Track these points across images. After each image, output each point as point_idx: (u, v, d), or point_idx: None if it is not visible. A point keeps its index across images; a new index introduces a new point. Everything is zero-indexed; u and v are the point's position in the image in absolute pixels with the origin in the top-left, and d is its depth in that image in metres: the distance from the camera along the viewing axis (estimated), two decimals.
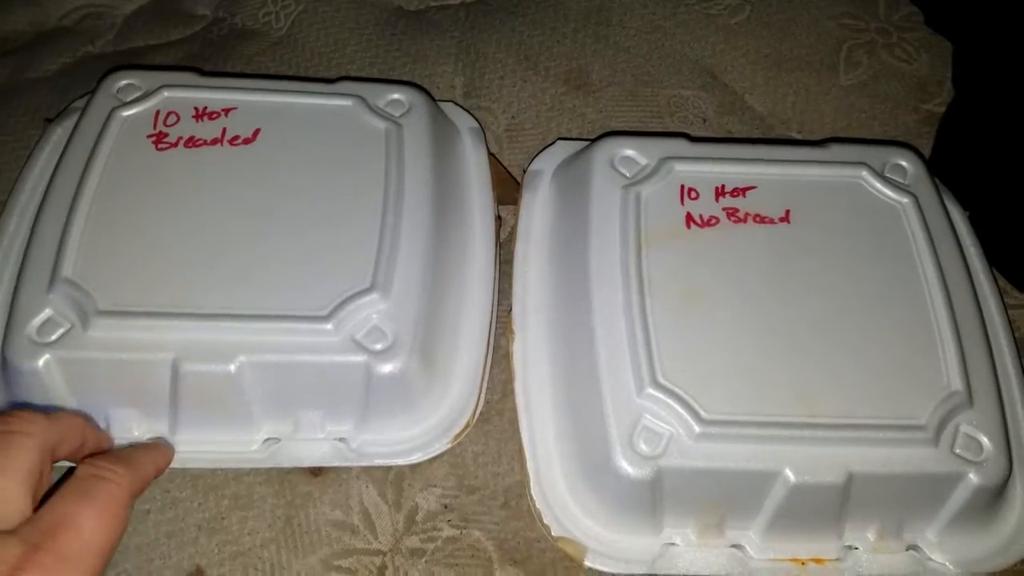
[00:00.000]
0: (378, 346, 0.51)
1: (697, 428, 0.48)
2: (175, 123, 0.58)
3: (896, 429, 0.49)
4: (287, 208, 0.55)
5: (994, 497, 0.51)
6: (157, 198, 0.55)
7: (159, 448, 0.52)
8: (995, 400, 0.51)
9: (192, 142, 0.58)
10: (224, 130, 0.58)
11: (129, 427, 0.53)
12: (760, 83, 0.78)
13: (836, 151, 0.60)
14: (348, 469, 0.58)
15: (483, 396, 0.57)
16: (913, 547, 0.53)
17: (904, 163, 0.59)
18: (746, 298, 0.53)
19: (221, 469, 0.58)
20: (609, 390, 0.50)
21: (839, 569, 0.52)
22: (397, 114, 0.61)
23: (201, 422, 0.53)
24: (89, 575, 0.39)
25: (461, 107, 0.71)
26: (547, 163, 0.65)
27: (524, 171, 0.66)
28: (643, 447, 0.48)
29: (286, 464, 0.55)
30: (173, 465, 0.54)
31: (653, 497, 0.49)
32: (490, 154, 0.67)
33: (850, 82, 0.78)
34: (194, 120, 0.59)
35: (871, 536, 0.52)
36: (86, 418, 0.48)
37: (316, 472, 0.58)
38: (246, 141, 0.58)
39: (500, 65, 0.78)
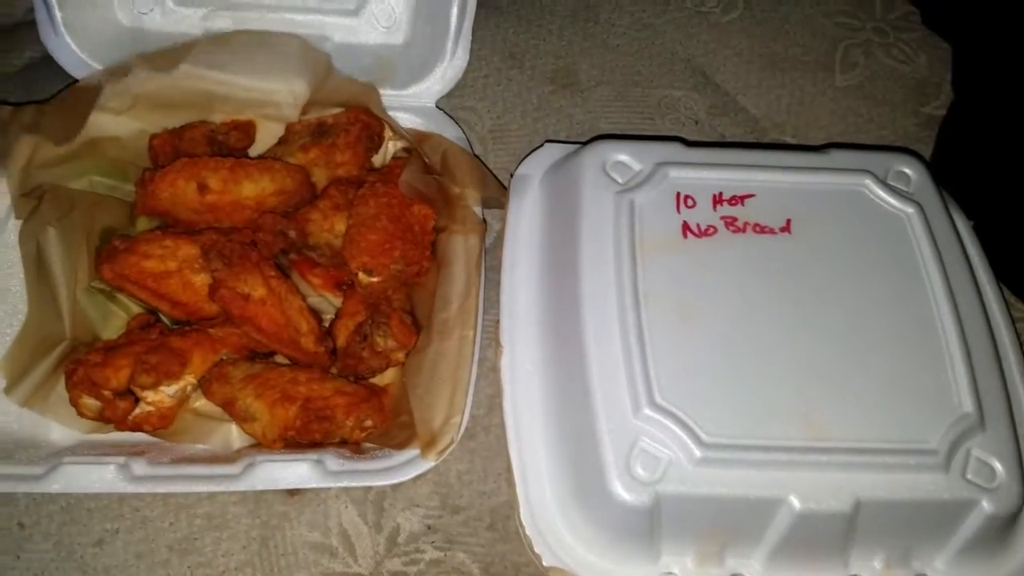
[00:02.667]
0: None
1: (698, 452, 0.46)
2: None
3: (905, 454, 0.47)
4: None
5: (1007, 525, 0.49)
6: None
7: None
8: (1008, 422, 0.49)
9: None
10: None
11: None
12: (753, 84, 0.76)
13: (837, 157, 0.58)
14: (327, 489, 0.56)
15: (468, 412, 0.54)
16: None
17: (907, 170, 0.57)
18: (747, 313, 0.51)
19: None
20: (604, 411, 0.48)
21: None
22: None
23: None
24: None
25: (442, 111, 0.68)
26: (535, 167, 0.62)
27: (511, 175, 0.63)
28: (640, 472, 0.46)
29: (261, 487, 0.52)
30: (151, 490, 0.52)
31: (650, 524, 0.47)
32: (474, 156, 0.65)
33: (846, 83, 0.76)
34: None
35: (877, 565, 0.50)
36: None
37: (293, 492, 0.55)
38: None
39: (484, 63, 0.75)
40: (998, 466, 0.47)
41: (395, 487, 0.56)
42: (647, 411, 0.47)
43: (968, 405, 0.48)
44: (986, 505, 0.47)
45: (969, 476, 0.47)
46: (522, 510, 0.51)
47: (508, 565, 0.55)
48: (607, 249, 0.52)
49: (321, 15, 0.69)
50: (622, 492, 0.46)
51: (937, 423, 0.48)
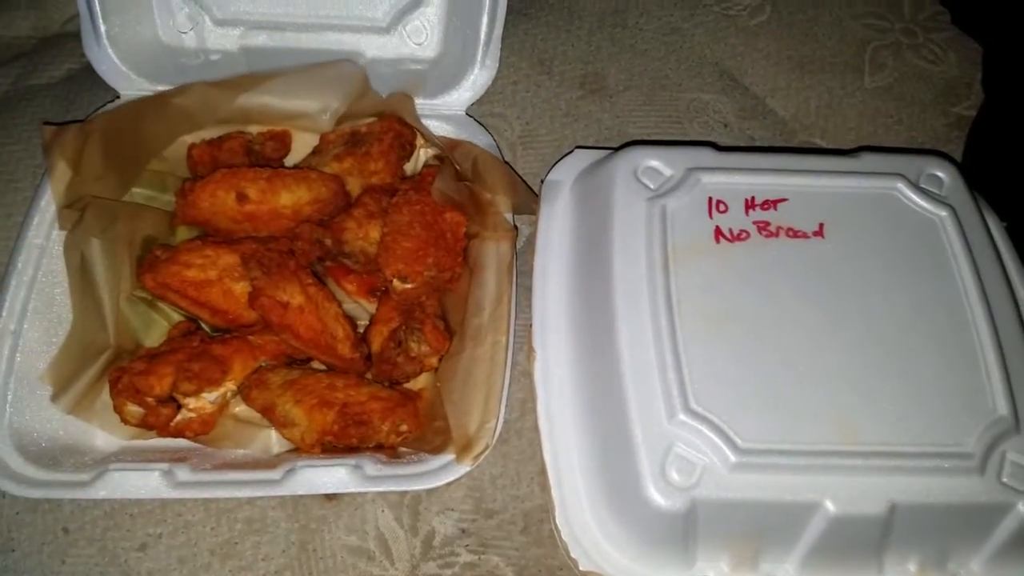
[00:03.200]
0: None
1: (733, 458, 0.46)
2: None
3: (941, 457, 0.47)
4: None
5: None
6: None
7: None
8: None
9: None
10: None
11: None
12: (782, 86, 0.76)
13: (869, 161, 0.58)
14: (363, 493, 0.56)
15: (502, 417, 0.55)
16: None
17: (940, 173, 0.57)
18: (780, 317, 0.51)
19: None
20: (638, 416, 0.48)
21: None
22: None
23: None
24: None
25: (472, 118, 0.69)
26: (565, 173, 0.63)
27: (541, 181, 0.64)
28: (676, 477, 0.46)
29: (301, 491, 0.53)
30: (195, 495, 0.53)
31: (686, 530, 0.48)
32: (504, 162, 0.65)
33: (875, 85, 0.76)
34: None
35: (912, 568, 0.50)
36: None
37: (330, 496, 0.56)
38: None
39: (513, 70, 0.76)
40: None
41: (430, 492, 0.57)
42: (682, 416, 0.47)
43: (1003, 408, 0.48)
44: (1022, 508, 0.47)
45: (1005, 479, 0.47)
46: (557, 514, 0.52)
47: (542, 568, 0.55)
48: (639, 255, 0.53)
49: (354, 33, 0.70)
50: (658, 497, 0.46)
51: (972, 426, 0.48)
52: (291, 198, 0.61)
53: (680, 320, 0.50)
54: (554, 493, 0.52)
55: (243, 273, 0.58)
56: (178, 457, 0.54)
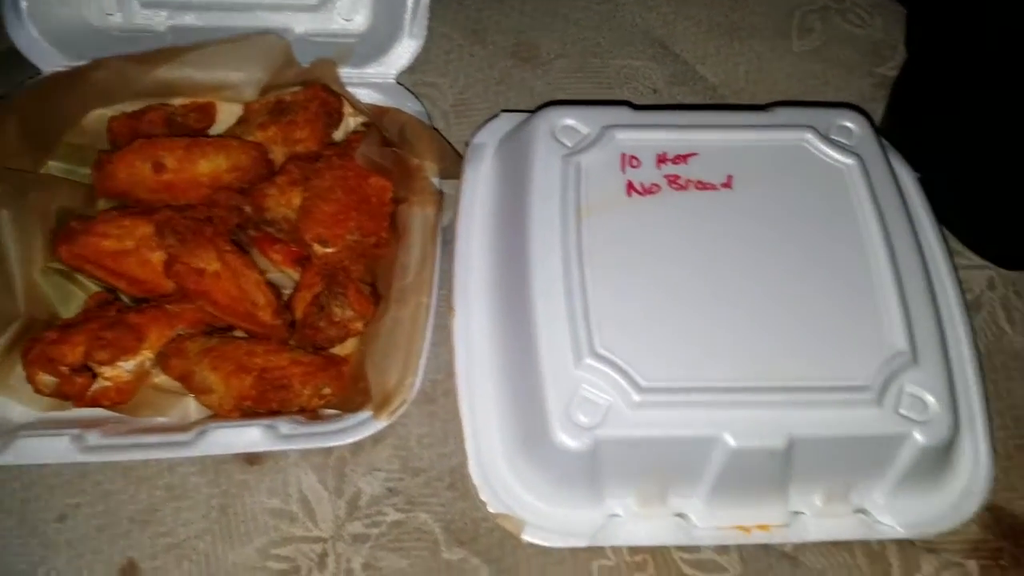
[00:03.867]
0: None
1: (636, 396, 0.47)
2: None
3: (839, 391, 0.47)
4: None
5: (941, 457, 0.50)
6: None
7: None
8: (940, 358, 0.49)
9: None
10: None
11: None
12: (712, 52, 0.77)
13: (781, 115, 0.59)
14: (286, 456, 0.57)
15: (421, 374, 0.55)
16: (861, 510, 0.52)
17: (850, 124, 0.58)
18: (687, 265, 0.51)
19: (154, 460, 0.56)
20: (547, 362, 0.48)
21: (785, 534, 0.51)
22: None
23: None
24: None
25: (403, 86, 0.69)
26: (490, 136, 0.63)
27: (466, 144, 0.64)
28: (581, 418, 0.47)
29: (213, 451, 0.53)
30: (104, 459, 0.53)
31: (592, 468, 0.48)
32: (432, 128, 0.65)
33: (803, 49, 0.77)
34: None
35: (818, 501, 0.51)
36: None
37: (252, 460, 0.56)
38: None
39: (446, 40, 0.76)
40: (930, 399, 0.48)
41: (355, 453, 0.57)
42: (588, 360, 0.48)
43: (901, 343, 0.49)
44: (919, 437, 0.47)
45: (902, 410, 0.48)
46: (472, 462, 0.52)
47: (468, 521, 0.56)
48: (554, 210, 0.53)
49: (284, 11, 0.70)
50: (564, 438, 0.47)
51: (870, 361, 0.48)
52: (209, 166, 0.61)
53: (590, 270, 0.51)
54: (468, 442, 0.53)
55: (160, 242, 0.57)
56: (93, 425, 0.54)
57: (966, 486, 0.53)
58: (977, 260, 0.67)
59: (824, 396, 0.47)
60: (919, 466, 0.49)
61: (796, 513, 0.51)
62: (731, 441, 0.46)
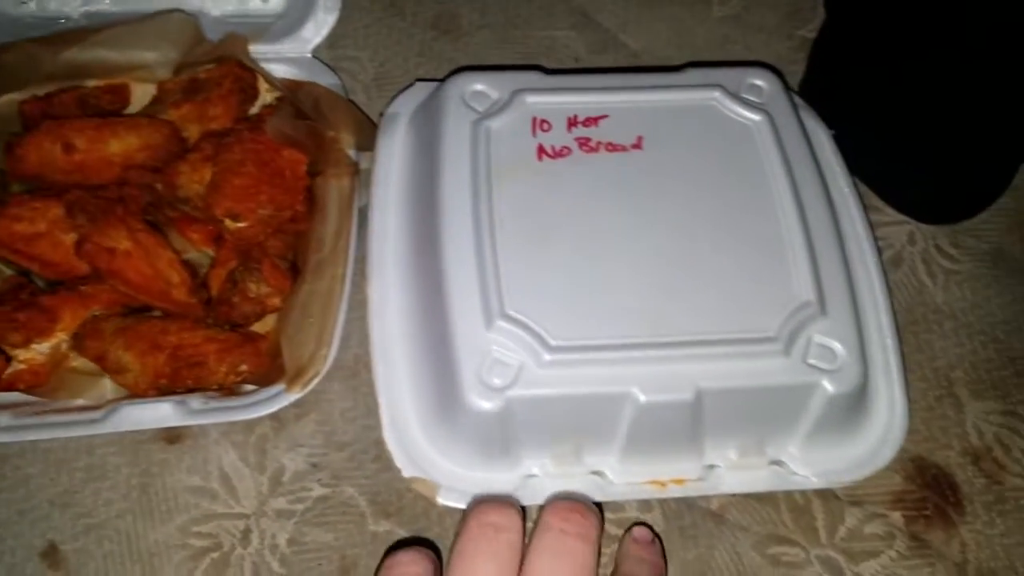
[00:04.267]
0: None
1: (546, 356, 0.47)
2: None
3: (746, 342, 0.48)
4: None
5: (852, 405, 0.50)
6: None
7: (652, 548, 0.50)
8: (849, 308, 0.50)
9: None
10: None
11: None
12: (633, 19, 0.77)
13: (692, 75, 0.59)
14: (206, 434, 0.56)
15: (336, 345, 0.55)
16: (776, 462, 0.52)
17: (760, 82, 0.58)
18: (597, 226, 0.51)
19: (73, 442, 0.55)
20: (459, 326, 0.48)
21: (700, 488, 0.52)
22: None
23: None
24: None
25: (321, 61, 0.69)
26: (404, 106, 0.63)
27: (381, 115, 0.64)
28: (494, 380, 0.47)
29: (124, 428, 0.52)
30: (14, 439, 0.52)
31: (506, 429, 0.48)
32: (347, 100, 0.65)
33: (723, 13, 0.77)
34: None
35: (732, 454, 0.51)
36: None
37: (172, 439, 0.56)
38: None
39: (365, 13, 0.75)
40: (839, 348, 0.48)
41: (277, 430, 0.57)
42: (499, 322, 0.48)
43: (809, 294, 0.49)
44: (828, 385, 0.48)
45: (810, 360, 0.48)
46: (386, 430, 0.52)
47: (394, 493, 0.56)
48: (464, 176, 0.53)
49: None
50: (476, 400, 0.47)
51: (778, 312, 0.49)
52: (121, 145, 0.60)
53: (500, 234, 0.51)
54: (383, 410, 0.53)
55: (71, 222, 0.57)
56: (7, 407, 0.53)
57: (882, 435, 0.54)
58: (897, 216, 0.68)
59: (731, 348, 0.48)
60: (831, 415, 0.49)
61: (711, 467, 0.52)
62: (640, 396, 0.47)
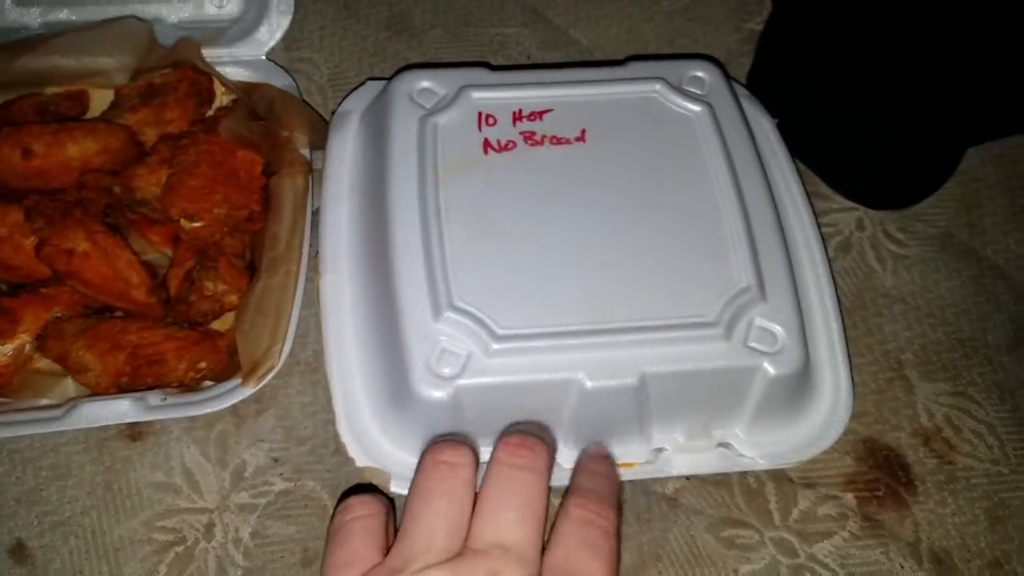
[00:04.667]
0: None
1: (494, 345, 0.48)
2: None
3: (687, 328, 0.49)
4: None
5: (795, 387, 0.52)
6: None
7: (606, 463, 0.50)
8: (789, 292, 0.51)
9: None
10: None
11: None
12: (583, 16, 0.78)
13: (635, 68, 0.60)
14: (168, 431, 0.57)
15: (290, 340, 0.56)
16: (724, 444, 0.53)
17: (701, 74, 0.59)
18: (542, 217, 0.53)
19: (38, 440, 0.57)
20: (408, 317, 0.49)
21: (648, 470, 0.53)
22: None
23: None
24: None
25: (275, 63, 0.70)
26: (355, 104, 0.64)
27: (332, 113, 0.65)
28: (443, 369, 0.48)
29: (82, 425, 0.53)
30: None
31: (456, 418, 0.49)
32: (301, 100, 0.66)
33: (671, 8, 0.78)
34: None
35: (680, 437, 0.53)
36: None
37: (135, 436, 0.57)
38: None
39: (319, 16, 0.76)
40: (779, 331, 0.50)
41: (238, 426, 0.58)
42: (447, 313, 0.49)
43: (749, 279, 0.51)
44: (769, 368, 0.49)
45: (751, 343, 0.49)
46: (340, 421, 0.53)
47: (353, 484, 0.57)
48: (412, 171, 0.54)
49: (157, 4, 0.70)
50: (426, 389, 0.48)
51: (719, 297, 0.50)
52: (78, 150, 0.61)
53: (448, 227, 0.52)
54: (337, 402, 0.54)
55: (30, 226, 0.58)
56: None
57: (827, 416, 0.55)
58: (845, 202, 0.69)
59: (673, 333, 0.49)
60: (774, 397, 0.51)
61: (659, 450, 0.53)
62: (586, 382, 0.48)
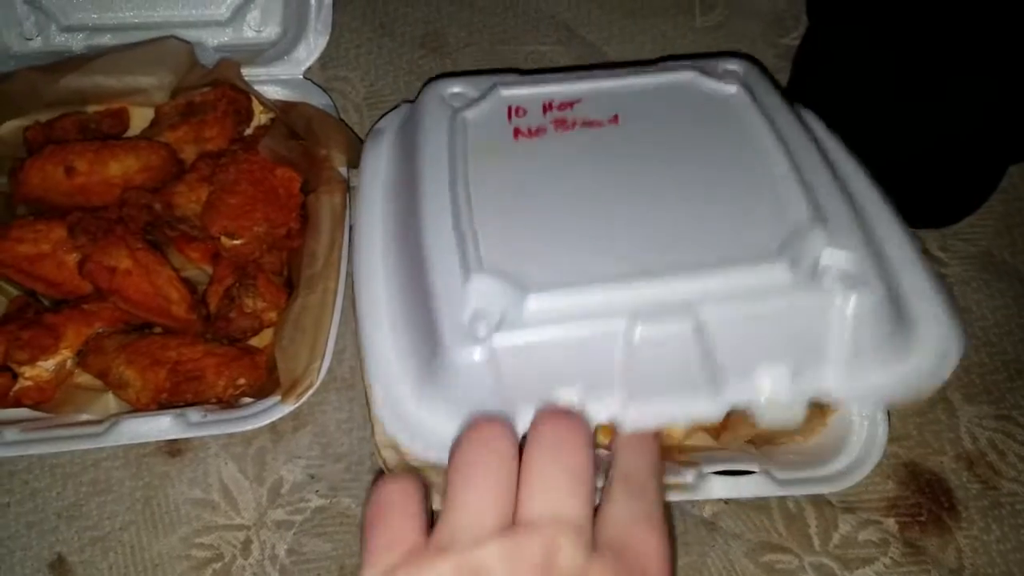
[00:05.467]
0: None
1: (528, 298, 0.44)
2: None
3: (746, 261, 0.45)
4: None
5: (884, 319, 0.46)
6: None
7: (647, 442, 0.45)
8: (850, 218, 0.47)
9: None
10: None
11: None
12: (617, 33, 0.78)
13: (668, 65, 0.59)
14: (206, 447, 0.58)
15: (328, 357, 0.57)
16: (817, 396, 0.47)
17: (735, 67, 0.57)
18: (575, 185, 0.51)
19: (79, 456, 0.57)
20: (439, 283, 0.46)
21: (686, 494, 0.50)
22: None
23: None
24: None
25: (312, 82, 0.70)
26: (390, 123, 0.64)
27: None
28: (477, 330, 0.44)
29: (124, 441, 0.54)
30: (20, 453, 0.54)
31: (493, 385, 0.45)
32: (338, 119, 0.67)
33: (706, 24, 0.79)
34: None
35: (759, 392, 0.46)
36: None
37: (173, 452, 0.57)
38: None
39: (355, 35, 0.77)
40: (850, 256, 0.46)
41: (275, 442, 0.58)
42: (478, 274, 0.46)
43: (806, 212, 0.47)
44: (848, 297, 0.45)
45: (820, 273, 0.45)
46: (379, 403, 0.50)
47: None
48: (442, 154, 0.53)
49: (197, 28, 0.72)
50: (460, 352, 0.44)
51: (775, 232, 0.46)
52: (120, 168, 0.62)
53: (476, 196, 0.50)
54: (375, 388, 0.51)
55: (73, 242, 0.59)
56: (15, 422, 0.55)
57: (937, 350, 0.48)
58: None
59: (731, 268, 0.45)
60: (862, 332, 0.45)
61: (703, 475, 0.51)
62: (636, 328, 0.43)
